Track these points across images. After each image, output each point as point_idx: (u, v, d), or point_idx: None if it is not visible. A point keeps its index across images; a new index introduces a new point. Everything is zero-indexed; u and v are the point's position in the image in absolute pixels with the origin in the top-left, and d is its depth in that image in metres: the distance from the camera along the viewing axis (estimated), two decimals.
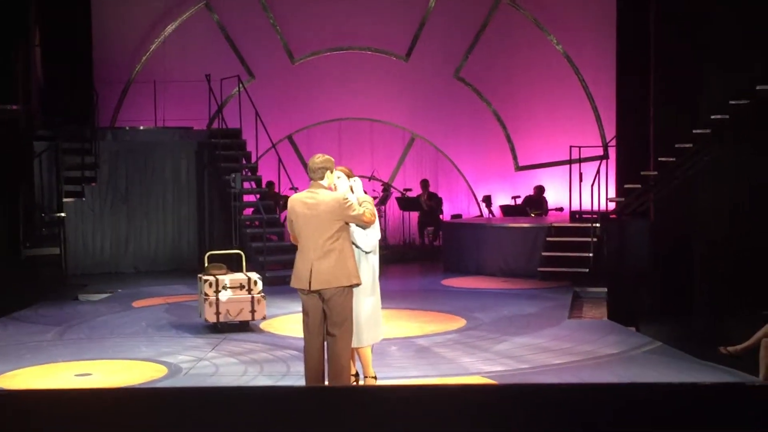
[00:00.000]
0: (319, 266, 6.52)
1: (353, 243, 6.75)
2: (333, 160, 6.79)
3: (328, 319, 6.59)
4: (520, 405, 1.82)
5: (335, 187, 6.79)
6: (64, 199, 13.68)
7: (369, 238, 6.86)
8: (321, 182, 6.67)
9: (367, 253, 6.90)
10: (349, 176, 6.95)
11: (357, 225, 6.72)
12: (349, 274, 6.55)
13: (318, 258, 6.53)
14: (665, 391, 1.84)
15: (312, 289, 6.55)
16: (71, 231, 14.31)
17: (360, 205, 6.68)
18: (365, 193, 7.10)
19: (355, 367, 7.07)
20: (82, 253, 14.69)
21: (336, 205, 6.54)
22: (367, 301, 6.87)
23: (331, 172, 6.72)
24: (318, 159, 6.73)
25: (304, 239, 6.63)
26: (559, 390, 1.95)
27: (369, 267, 6.90)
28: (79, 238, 14.72)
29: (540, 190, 17.00)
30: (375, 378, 7.08)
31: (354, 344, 6.78)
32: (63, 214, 13.38)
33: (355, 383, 7.00)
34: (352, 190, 6.95)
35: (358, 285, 6.64)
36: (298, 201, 6.71)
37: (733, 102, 9.55)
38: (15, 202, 11.83)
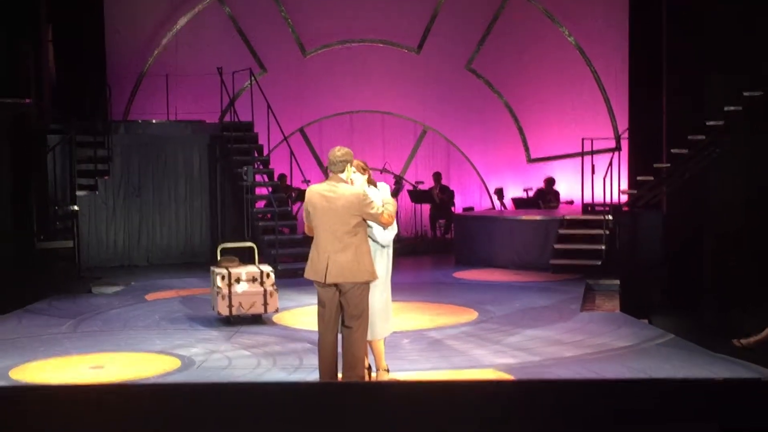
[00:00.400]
0: (336, 259, 6.53)
1: (370, 237, 6.77)
2: (352, 153, 6.78)
3: (345, 311, 6.61)
4: (536, 400, 1.82)
5: (352, 182, 6.79)
6: (77, 193, 13.74)
7: (386, 233, 6.89)
8: (341, 175, 6.68)
9: (383, 247, 6.93)
10: (363, 170, 6.94)
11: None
12: (367, 270, 6.58)
13: (335, 251, 6.54)
14: (682, 386, 1.83)
15: (328, 282, 6.57)
16: (84, 224, 14.37)
17: (383, 206, 6.68)
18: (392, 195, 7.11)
19: (368, 359, 7.09)
20: (95, 246, 14.75)
21: (356, 200, 6.53)
22: (381, 294, 6.91)
23: (351, 164, 6.72)
24: (339, 152, 6.69)
25: (322, 232, 6.63)
26: (575, 385, 1.95)
27: (384, 260, 6.95)
28: (93, 231, 14.78)
29: (550, 182, 16.96)
30: (387, 370, 7.10)
31: (368, 337, 6.82)
32: (76, 208, 13.43)
33: (368, 376, 7.03)
34: (371, 183, 6.96)
35: (374, 280, 6.66)
36: (317, 193, 6.69)
37: (746, 93, 9.51)
38: (28, 196, 11.89)
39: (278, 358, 8.22)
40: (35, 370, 7.94)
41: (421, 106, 18.24)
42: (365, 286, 6.61)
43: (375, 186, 7.07)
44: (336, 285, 6.58)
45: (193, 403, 1.83)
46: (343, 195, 6.57)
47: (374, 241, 6.83)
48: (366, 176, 6.94)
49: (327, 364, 6.71)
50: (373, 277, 6.63)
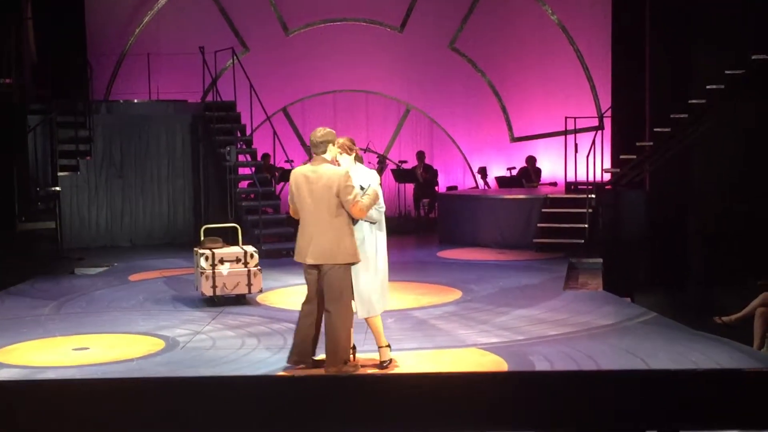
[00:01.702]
0: (318, 241, 6.57)
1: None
2: (334, 132, 6.79)
3: (324, 294, 6.63)
4: (526, 392, 1.81)
5: (338, 162, 6.80)
6: (59, 173, 13.66)
7: (372, 211, 6.83)
8: (324, 156, 6.67)
9: (372, 223, 6.86)
10: (350, 149, 6.91)
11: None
12: (347, 252, 6.59)
13: (318, 233, 6.58)
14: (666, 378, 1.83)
15: (308, 263, 6.60)
16: (66, 205, 14.30)
17: (363, 195, 6.67)
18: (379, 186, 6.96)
19: (353, 339, 7.11)
20: (77, 227, 14.69)
21: (337, 181, 6.55)
22: (374, 271, 6.85)
23: (334, 144, 6.73)
24: (319, 133, 6.73)
25: (305, 213, 6.66)
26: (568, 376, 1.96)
27: (373, 237, 6.87)
28: (75, 212, 14.72)
29: (531, 160, 16.97)
30: (389, 346, 7.07)
31: (365, 314, 6.81)
32: (58, 188, 13.36)
33: (352, 356, 7.04)
34: (358, 160, 6.93)
35: (355, 263, 6.66)
36: (301, 174, 6.73)
37: (728, 72, 9.54)
38: (9, 177, 11.80)
39: (262, 338, 8.23)
40: (18, 353, 7.91)
41: (404, 86, 18.20)
42: (345, 268, 6.62)
43: (361, 162, 7.05)
44: (317, 267, 6.59)
45: (156, 400, 1.83)
46: (325, 175, 6.59)
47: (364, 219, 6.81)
48: (352, 155, 6.92)
49: (300, 342, 6.86)
50: (354, 259, 6.63)
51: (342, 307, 6.65)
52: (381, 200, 6.91)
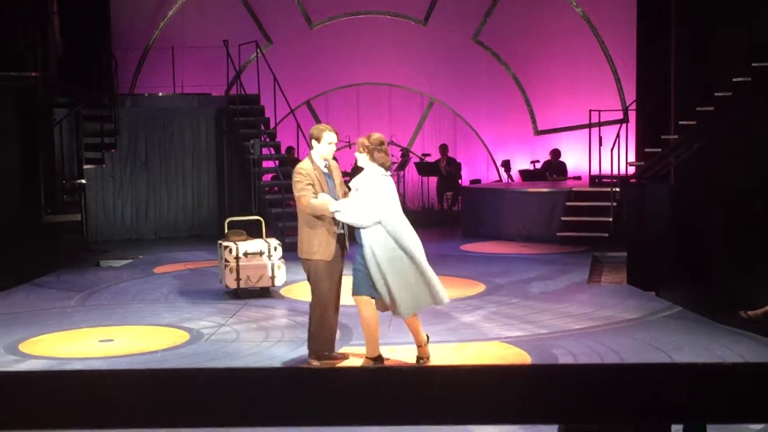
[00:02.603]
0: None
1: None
2: (322, 128, 6.95)
3: None
4: (548, 386, 1.80)
5: (357, 161, 6.84)
6: (85, 166, 13.74)
7: (351, 214, 6.63)
8: (311, 151, 6.95)
9: (366, 227, 6.55)
10: (364, 147, 6.62)
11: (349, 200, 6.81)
12: (301, 248, 6.94)
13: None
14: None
15: None
16: (92, 197, 14.40)
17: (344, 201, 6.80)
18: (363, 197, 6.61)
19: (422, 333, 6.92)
20: (102, 220, 14.80)
21: (292, 177, 6.88)
22: (394, 272, 6.56)
23: (318, 141, 6.88)
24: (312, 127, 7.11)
25: None
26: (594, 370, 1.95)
27: (384, 237, 6.53)
28: (100, 204, 14.82)
29: (555, 153, 16.91)
30: (426, 342, 6.95)
31: (409, 311, 6.66)
32: (83, 181, 13.45)
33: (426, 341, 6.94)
34: (380, 161, 6.60)
35: (310, 260, 6.82)
36: None
37: (755, 64, 9.45)
38: (35, 169, 11.90)
39: (286, 331, 8.26)
40: (44, 344, 7.98)
41: (427, 79, 18.18)
42: (309, 263, 6.86)
43: (384, 165, 6.62)
44: None
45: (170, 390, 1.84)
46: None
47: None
48: (363, 154, 6.61)
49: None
50: (306, 256, 6.85)
51: (314, 299, 6.90)
52: (364, 205, 6.53)
